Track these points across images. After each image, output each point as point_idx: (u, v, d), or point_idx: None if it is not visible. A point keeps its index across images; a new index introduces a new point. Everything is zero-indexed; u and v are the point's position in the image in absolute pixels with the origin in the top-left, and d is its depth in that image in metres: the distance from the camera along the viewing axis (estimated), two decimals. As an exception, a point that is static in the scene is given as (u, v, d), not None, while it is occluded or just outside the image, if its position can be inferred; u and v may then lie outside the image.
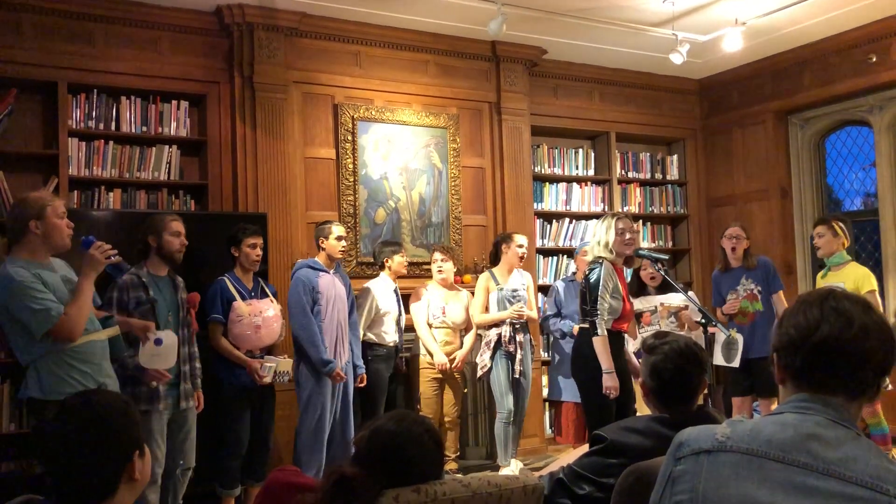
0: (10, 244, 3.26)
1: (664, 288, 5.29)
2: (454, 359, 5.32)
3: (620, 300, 4.20)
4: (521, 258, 5.44)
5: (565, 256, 6.82)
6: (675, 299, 5.20)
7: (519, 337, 5.30)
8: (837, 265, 4.93)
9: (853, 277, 4.80)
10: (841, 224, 4.95)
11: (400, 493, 1.75)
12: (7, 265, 3.15)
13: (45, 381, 3.16)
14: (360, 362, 4.96)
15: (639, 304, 5.19)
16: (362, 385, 4.96)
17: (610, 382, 4.01)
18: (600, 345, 4.07)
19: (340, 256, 4.85)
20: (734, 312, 5.12)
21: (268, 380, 4.34)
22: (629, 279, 5.23)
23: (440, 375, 5.32)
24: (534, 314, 5.54)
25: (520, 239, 5.49)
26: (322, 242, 4.79)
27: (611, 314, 4.15)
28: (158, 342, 3.64)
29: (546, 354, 6.56)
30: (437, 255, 5.39)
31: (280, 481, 1.92)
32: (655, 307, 5.25)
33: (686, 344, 2.31)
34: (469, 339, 5.46)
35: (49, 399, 3.12)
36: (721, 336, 4.92)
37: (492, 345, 5.31)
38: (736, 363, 4.96)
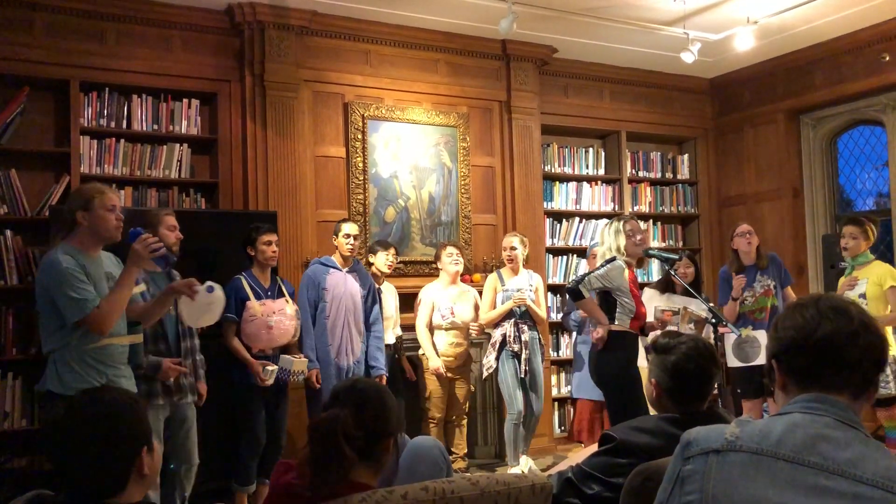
0: (64, 234, 3.30)
1: (688, 292, 5.18)
2: (460, 354, 5.33)
3: (632, 299, 4.29)
4: (510, 259, 5.38)
5: (575, 256, 6.80)
6: (698, 307, 5.03)
7: (524, 336, 5.26)
8: (862, 264, 4.83)
9: (876, 273, 4.72)
10: (872, 226, 4.84)
11: (408, 490, 1.75)
12: (57, 250, 3.22)
13: (64, 376, 3.19)
14: (377, 363, 4.85)
15: (664, 302, 5.12)
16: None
17: (600, 333, 4.19)
18: (588, 305, 4.29)
19: (349, 255, 4.86)
20: (753, 309, 5.04)
21: (269, 382, 4.33)
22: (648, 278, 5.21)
23: (448, 374, 5.32)
24: (541, 312, 5.44)
25: (506, 240, 5.47)
26: (334, 240, 4.87)
27: (628, 314, 4.25)
28: (210, 289, 3.52)
29: (555, 354, 6.56)
30: (452, 250, 5.37)
31: (279, 485, 1.92)
32: (679, 309, 5.15)
33: (703, 343, 2.34)
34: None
35: (66, 394, 3.14)
36: (731, 337, 4.85)
37: (497, 345, 5.30)
38: (760, 360, 4.80)
